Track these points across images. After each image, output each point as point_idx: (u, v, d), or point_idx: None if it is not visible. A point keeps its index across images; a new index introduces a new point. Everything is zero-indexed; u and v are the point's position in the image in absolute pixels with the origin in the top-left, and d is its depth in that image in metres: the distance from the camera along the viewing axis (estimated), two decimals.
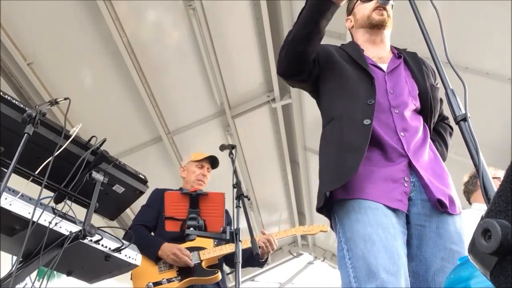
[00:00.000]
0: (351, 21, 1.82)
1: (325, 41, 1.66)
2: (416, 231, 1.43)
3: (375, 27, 1.70)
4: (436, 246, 1.40)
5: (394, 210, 1.39)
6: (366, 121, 1.46)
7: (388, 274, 1.25)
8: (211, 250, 2.48)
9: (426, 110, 1.61)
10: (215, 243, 2.53)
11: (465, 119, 1.10)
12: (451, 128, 1.76)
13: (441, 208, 1.43)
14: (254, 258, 2.42)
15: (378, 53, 1.70)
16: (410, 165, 1.46)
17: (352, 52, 1.68)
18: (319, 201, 1.47)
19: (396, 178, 1.43)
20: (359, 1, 1.77)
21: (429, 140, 1.58)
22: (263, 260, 2.57)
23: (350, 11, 1.82)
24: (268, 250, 2.51)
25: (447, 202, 1.43)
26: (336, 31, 3.77)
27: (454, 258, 1.35)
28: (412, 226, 1.44)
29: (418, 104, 1.60)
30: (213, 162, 2.87)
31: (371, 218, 1.35)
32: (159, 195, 2.66)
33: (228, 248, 2.48)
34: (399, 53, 1.73)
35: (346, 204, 1.41)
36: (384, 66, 1.66)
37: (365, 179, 1.42)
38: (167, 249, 2.41)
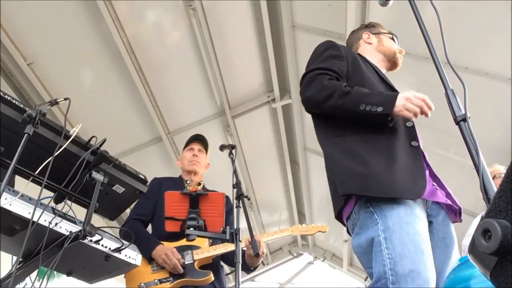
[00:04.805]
0: (369, 37, 1.93)
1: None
2: None
3: (393, 65, 1.90)
4: (443, 253, 1.51)
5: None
6: (414, 143, 1.53)
7: (432, 284, 1.34)
8: (204, 250, 2.43)
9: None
10: (210, 242, 2.48)
11: (465, 119, 1.10)
12: None
13: (456, 217, 1.57)
14: (244, 262, 2.34)
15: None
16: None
17: (373, 66, 1.80)
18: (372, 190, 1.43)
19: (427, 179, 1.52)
20: (387, 34, 1.95)
21: None
22: (252, 268, 2.47)
23: (373, 32, 1.94)
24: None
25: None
26: (336, 31, 3.77)
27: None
28: None
29: None
30: (201, 140, 2.86)
31: (420, 227, 1.40)
32: (157, 184, 2.63)
33: (222, 248, 2.43)
34: None
35: (392, 200, 1.42)
36: None
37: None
38: (161, 250, 2.36)
